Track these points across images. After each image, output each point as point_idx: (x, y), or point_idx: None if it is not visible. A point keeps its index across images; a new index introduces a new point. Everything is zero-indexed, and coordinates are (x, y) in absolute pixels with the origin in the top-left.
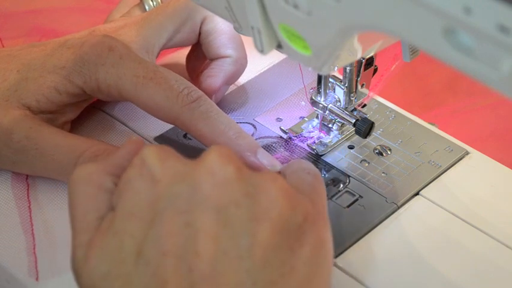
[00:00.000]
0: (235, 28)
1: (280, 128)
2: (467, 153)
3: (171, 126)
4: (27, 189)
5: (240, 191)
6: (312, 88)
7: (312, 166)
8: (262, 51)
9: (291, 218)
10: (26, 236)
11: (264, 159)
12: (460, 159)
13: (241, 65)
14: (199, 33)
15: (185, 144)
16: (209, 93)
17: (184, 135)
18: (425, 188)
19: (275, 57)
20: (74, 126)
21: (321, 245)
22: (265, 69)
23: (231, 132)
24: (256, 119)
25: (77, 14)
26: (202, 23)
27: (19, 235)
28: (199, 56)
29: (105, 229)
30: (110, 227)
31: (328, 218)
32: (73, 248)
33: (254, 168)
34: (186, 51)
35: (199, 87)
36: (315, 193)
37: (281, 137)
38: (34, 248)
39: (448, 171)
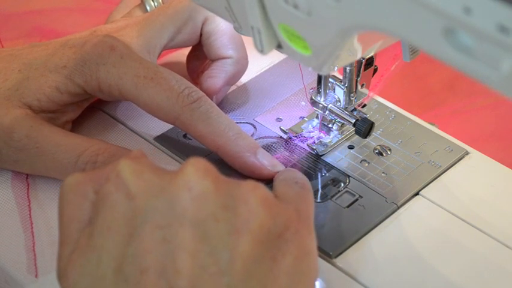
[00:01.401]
0: (235, 28)
1: (280, 128)
2: (467, 153)
3: (171, 126)
4: (27, 189)
5: (218, 204)
6: (312, 88)
7: (301, 175)
8: (262, 51)
9: (272, 227)
10: (26, 235)
11: (264, 159)
12: (460, 159)
13: (242, 65)
14: (201, 34)
15: (185, 144)
16: (210, 94)
17: (184, 135)
18: (425, 188)
19: (275, 57)
20: (74, 126)
21: (304, 254)
22: (265, 69)
23: (231, 133)
24: (256, 119)
25: (77, 14)
26: (203, 24)
27: (19, 235)
28: (200, 56)
29: (84, 244)
30: (89, 243)
31: (313, 227)
32: (57, 258)
33: (254, 168)
34: (186, 51)
35: (200, 88)
36: (300, 201)
37: (281, 137)
38: (33, 246)
39: (448, 171)
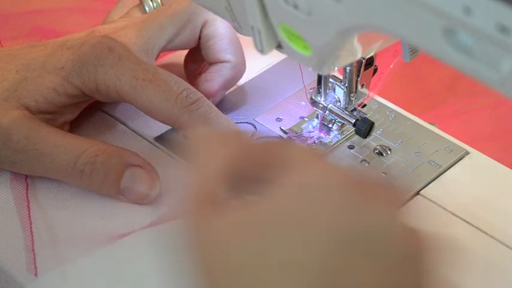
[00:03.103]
0: (235, 28)
1: (280, 128)
2: (467, 153)
3: None
4: (26, 189)
5: None
6: (312, 88)
7: None
8: (262, 51)
9: None
10: (25, 234)
11: None
12: (460, 159)
13: (239, 70)
14: (199, 37)
15: (185, 144)
16: (206, 97)
17: (184, 136)
18: (425, 188)
19: (275, 57)
20: (73, 126)
21: None
22: (265, 69)
23: None
24: (256, 119)
25: (77, 14)
26: (202, 27)
27: (18, 236)
28: (197, 59)
29: (247, 222)
30: (261, 221)
31: None
32: (190, 217)
33: None
34: (184, 52)
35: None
36: None
37: (281, 137)
38: (32, 245)
39: (448, 171)
